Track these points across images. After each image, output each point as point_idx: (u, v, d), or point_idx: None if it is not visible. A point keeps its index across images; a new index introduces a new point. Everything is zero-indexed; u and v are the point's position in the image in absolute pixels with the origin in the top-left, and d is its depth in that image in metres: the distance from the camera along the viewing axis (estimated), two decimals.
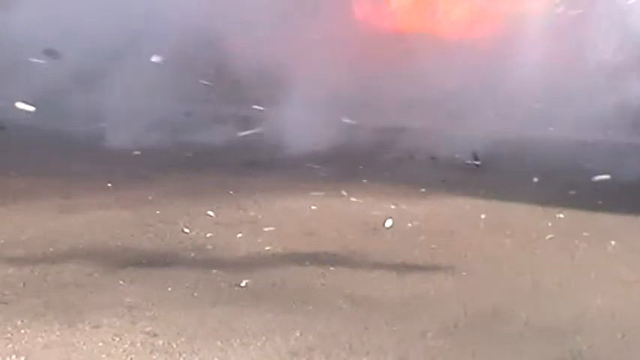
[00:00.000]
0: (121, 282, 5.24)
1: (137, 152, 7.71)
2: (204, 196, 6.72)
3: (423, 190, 7.01)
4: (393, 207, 6.61)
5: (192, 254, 5.71)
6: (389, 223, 6.20)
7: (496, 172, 7.52)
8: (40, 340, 4.47)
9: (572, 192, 6.95)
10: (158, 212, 6.39)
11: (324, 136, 7.74)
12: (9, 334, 4.50)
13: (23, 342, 4.44)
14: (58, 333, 4.55)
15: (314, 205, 6.61)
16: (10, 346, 4.38)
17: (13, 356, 4.29)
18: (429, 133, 8.04)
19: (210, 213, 6.38)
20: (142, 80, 8.19)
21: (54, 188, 6.80)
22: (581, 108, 7.62)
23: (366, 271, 5.50)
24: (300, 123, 7.70)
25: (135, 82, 8.21)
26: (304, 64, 8.16)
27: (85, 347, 4.44)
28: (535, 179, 7.14)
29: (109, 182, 6.94)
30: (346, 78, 8.10)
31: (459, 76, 7.98)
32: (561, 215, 6.55)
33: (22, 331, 4.54)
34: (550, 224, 6.37)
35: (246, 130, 8.09)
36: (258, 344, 4.57)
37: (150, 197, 6.68)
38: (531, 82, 7.73)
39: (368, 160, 7.74)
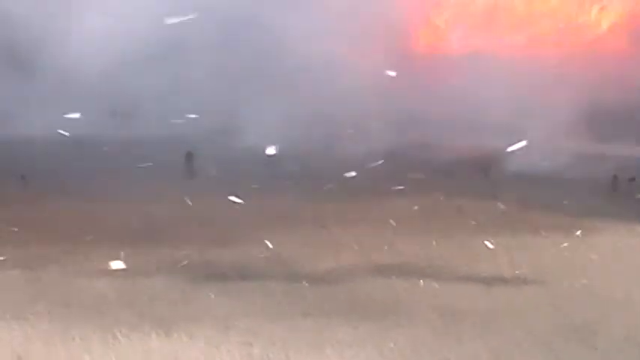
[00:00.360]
0: (209, 294, 5.30)
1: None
2: (285, 214, 6.80)
3: (503, 206, 7.01)
4: (474, 223, 6.62)
5: (278, 268, 5.76)
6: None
7: (582, 188, 7.51)
8: (139, 349, 4.54)
9: None
10: (240, 228, 6.46)
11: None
12: (110, 343, 4.57)
13: (124, 350, 4.51)
14: (156, 342, 4.61)
15: (393, 220, 6.64)
16: (112, 354, 4.45)
17: None
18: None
19: (294, 230, 6.43)
20: None
21: (138, 210, 6.91)
22: None
23: (452, 284, 5.51)
24: None
25: None
26: None
27: (183, 356, 4.50)
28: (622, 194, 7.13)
29: (190, 201, 7.03)
30: None
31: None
32: None
33: (122, 340, 4.61)
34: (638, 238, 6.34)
35: None
36: (352, 353, 4.59)
37: (231, 214, 6.76)
38: None
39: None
